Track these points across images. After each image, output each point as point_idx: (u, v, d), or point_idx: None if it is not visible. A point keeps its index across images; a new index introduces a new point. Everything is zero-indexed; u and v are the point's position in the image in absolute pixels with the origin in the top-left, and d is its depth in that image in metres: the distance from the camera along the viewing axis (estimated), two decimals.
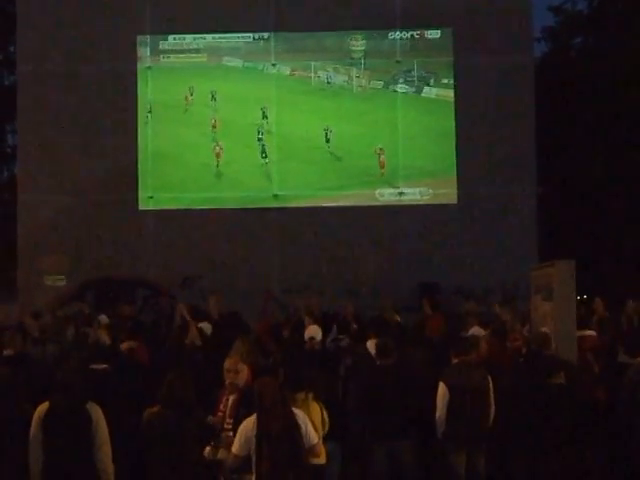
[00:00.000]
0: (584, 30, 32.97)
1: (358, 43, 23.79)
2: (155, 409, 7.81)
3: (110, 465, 7.44)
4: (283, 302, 14.64)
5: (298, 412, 7.33)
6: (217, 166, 23.71)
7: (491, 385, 8.89)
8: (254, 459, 7.03)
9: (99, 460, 7.36)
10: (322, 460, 7.70)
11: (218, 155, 23.71)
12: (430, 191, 23.46)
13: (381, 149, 23.39)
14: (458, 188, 23.34)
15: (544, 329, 10.21)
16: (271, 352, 10.38)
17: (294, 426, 7.13)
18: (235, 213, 23.46)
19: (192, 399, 7.79)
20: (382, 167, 23.45)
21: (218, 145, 23.68)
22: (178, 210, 23.66)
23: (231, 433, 7.48)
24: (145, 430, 7.80)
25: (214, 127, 23.82)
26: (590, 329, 11.27)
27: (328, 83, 23.94)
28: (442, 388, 8.85)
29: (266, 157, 23.70)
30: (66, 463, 7.26)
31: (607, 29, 30.42)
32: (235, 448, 7.17)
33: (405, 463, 9.06)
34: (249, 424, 7.13)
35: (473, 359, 9.10)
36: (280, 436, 7.00)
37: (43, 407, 7.40)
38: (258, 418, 7.09)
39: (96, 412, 7.40)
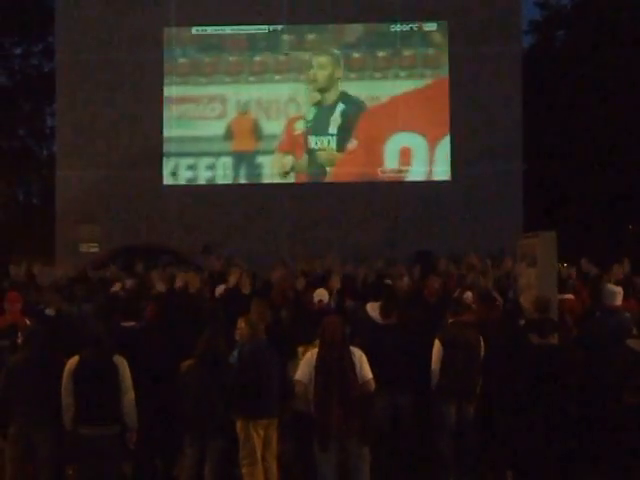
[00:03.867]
0: (567, 23, 32.81)
1: (360, 33, 23.69)
2: (191, 362, 7.81)
3: (134, 410, 7.46)
4: (293, 269, 14.53)
5: (355, 351, 7.50)
6: (235, 145, 23.70)
7: (482, 343, 8.85)
8: (311, 388, 7.31)
9: (124, 405, 7.38)
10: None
11: (236, 135, 23.66)
12: (427, 169, 23.41)
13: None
14: (452, 166, 23.28)
15: (535, 294, 10.08)
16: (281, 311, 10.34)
17: (348, 362, 7.33)
18: (249, 187, 23.44)
19: (224, 354, 7.95)
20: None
21: (238, 126, 23.66)
22: (198, 185, 23.68)
23: None
24: (181, 381, 7.80)
25: (234, 109, 23.80)
26: (569, 293, 11.22)
27: (336, 68, 23.79)
28: (437, 344, 8.82)
29: (279, 136, 23.63)
30: (95, 409, 7.27)
31: (588, 23, 30.24)
32: (298, 375, 7.45)
33: (404, 411, 9.01)
34: (312, 355, 7.44)
35: (467, 319, 9.07)
36: (334, 368, 7.26)
37: (74, 360, 7.40)
38: (319, 350, 7.39)
39: (122, 363, 7.43)
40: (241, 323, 8.14)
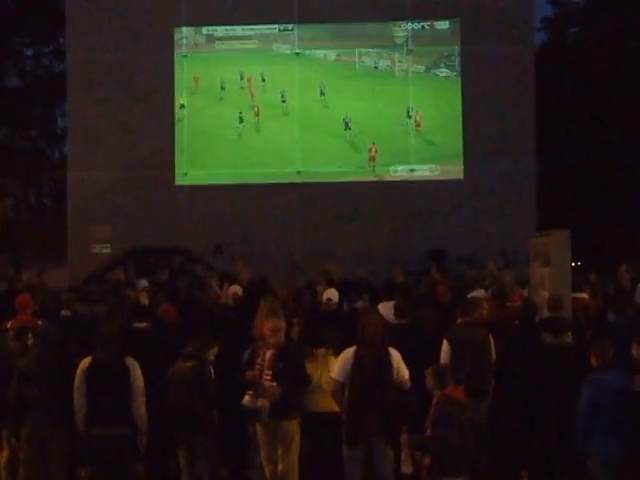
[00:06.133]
0: (580, 21, 32.72)
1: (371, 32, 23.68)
2: (179, 364, 7.88)
3: (144, 412, 7.49)
4: (305, 269, 14.52)
5: (393, 352, 7.50)
6: (247, 145, 23.70)
7: (492, 342, 8.82)
8: (347, 386, 7.37)
9: (135, 407, 7.41)
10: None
11: (248, 135, 23.70)
12: (439, 167, 23.37)
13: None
14: (464, 165, 23.22)
15: (549, 293, 10.08)
16: (293, 312, 10.33)
17: (386, 363, 7.37)
18: (261, 188, 23.44)
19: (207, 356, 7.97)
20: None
21: (250, 124, 23.70)
22: (210, 185, 23.64)
23: (274, 383, 7.54)
24: (169, 382, 7.84)
25: (245, 109, 23.79)
26: (582, 292, 11.23)
27: (354, 67, 23.79)
28: (445, 345, 8.82)
29: (291, 136, 23.63)
30: (106, 410, 7.30)
31: (601, 20, 30.17)
32: (334, 373, 7.52)
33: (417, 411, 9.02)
34: (349, 353, 7.46)
35: (476, 319, 9.04)
36: (372, 368, 7.30)
37: (86, 361, 7.43)
38: (357, 350, 7.40)
39: (133, 365, 7.46)
40: (284, 326, 8.05)
